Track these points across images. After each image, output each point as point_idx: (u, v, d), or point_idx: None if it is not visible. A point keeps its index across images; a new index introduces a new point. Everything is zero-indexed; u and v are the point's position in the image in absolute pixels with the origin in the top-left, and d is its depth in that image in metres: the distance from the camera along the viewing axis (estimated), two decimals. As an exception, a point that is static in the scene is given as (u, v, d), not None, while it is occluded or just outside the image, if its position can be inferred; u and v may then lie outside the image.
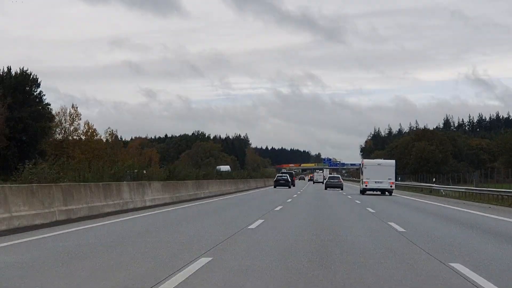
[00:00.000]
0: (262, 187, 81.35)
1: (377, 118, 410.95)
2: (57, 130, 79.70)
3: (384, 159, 76.88)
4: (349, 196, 53.69)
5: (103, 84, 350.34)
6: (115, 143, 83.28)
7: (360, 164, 70.11)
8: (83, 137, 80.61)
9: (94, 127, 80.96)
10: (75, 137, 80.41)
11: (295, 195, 54.25)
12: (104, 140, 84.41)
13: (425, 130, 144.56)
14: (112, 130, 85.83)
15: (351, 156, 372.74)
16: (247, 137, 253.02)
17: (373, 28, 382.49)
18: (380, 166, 56.94)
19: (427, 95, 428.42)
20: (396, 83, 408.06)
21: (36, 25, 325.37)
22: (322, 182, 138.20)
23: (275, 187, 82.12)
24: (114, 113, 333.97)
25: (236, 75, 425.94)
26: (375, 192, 58.47)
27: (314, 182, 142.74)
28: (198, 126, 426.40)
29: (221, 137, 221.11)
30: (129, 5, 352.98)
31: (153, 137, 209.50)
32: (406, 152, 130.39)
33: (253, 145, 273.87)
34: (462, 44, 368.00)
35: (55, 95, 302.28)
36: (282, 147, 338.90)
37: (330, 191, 71.86)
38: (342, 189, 74.53)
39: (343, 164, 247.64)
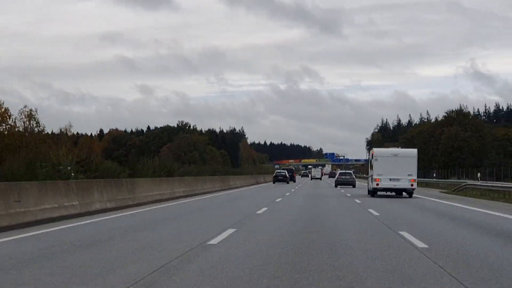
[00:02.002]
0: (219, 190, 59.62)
1: (378, 114, 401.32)
2: None
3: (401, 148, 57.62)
4: (357, 200, 35.58)
5: (98, 80, 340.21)
6: (36, 133, 59.44)
7: (367, 158, 50.45)
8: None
9: (4, 105, 58.73)
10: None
11: (278, 200, 35.21)
12: (23, 125, 61.96)
13: (457, 112, 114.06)
14: (31, 110, 62.65)
15: (353, 152, 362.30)
16: (243, 131, 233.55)
17: (371, 22, 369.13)
18: (397, 158, 43.12)
19: (426, 91, 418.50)
20: (395, 78, 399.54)
21: (29, 22, 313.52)
22: (320, 178, 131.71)
23: (274, 182, 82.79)
24: (111, 110, 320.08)
25: (232, 71, 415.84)
26: (387, 193, 44.69)
27: (312, 178, 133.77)
28: (197, 123, 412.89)
29: (216, 131, 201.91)
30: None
31: (134, 129, 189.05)
32: (432, 141, 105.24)
33: (252, 141, 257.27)
34: (461, 39, 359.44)
35: (48, 91, 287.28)
36: (281, 142, 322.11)
37: (328, 191, 54.97)
38: (354, 186, 69.17)
39: (347, 160, 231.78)
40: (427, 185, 75.36)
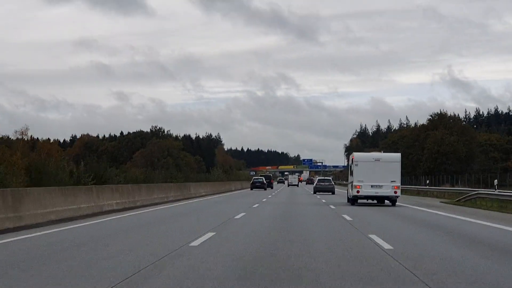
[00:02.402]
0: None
1: (355, 120, 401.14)
2: None
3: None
4: (346, 217, 28.05)
5: (74, 87, 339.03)
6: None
7: (346, 164, 46.90)
8: None
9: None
10: None
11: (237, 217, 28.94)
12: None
13: (442, 115, 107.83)
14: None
15: (331, 158, 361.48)
16: (219, 137, 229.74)
17: (347, 29, 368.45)
18: (379, 163, 40.55)
19: (403, 98, 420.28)
20: (372, 85, 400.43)
21: (2, 29, 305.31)
22: (297, 185, 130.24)
23: (251, 189, 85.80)
24: (87, 117, 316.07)
25: (208, 78, 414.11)
26: (369, 201, 42.04)
27: (288, 185, 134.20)
28: (174, 130, 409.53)
29: (191, 137, 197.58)
30: (92, 4, 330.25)
31: (107, 135, 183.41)
32: (417, 146, 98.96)
33: (229, 147, 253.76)
34: (438, 45, 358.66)
35: (24, 98, 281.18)
36: (259, 149, 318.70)
37: (307, 200, 50.47)
38: (333, 193, 67.96)
39: (325, 166, 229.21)
40: (418, 193, 68.77)
